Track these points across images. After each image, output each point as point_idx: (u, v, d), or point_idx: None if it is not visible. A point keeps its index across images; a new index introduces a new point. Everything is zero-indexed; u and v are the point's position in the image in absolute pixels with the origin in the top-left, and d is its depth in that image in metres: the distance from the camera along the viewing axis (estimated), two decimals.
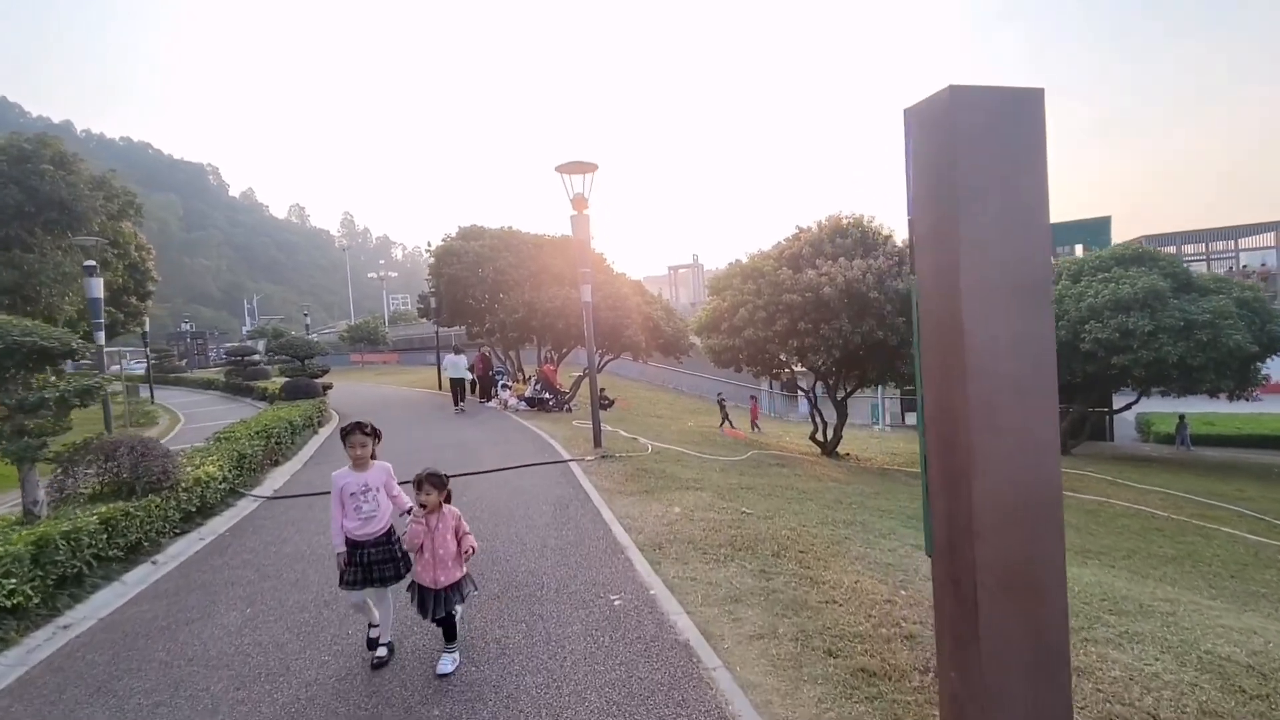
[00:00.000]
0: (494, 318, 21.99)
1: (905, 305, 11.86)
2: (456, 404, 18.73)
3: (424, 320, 34.69)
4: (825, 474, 11.17)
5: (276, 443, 10.22)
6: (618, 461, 9.40)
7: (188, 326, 58.04)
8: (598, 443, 10.32)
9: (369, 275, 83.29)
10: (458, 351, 19.53)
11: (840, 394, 15.33)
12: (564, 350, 23.86)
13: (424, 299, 26.77)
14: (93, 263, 12.71)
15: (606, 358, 23.99)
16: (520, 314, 20.99)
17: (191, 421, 21.43)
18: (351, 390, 27.73)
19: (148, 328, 26.79)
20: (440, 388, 23.82)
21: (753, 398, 25.27)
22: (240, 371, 22.77)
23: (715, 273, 14.31)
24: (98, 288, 12.79)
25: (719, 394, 25.32)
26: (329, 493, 4.10)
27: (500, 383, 19.76)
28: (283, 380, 16.98)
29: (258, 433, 9.88)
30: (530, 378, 19.31)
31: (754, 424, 22.90)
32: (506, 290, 22.34)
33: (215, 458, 7.83)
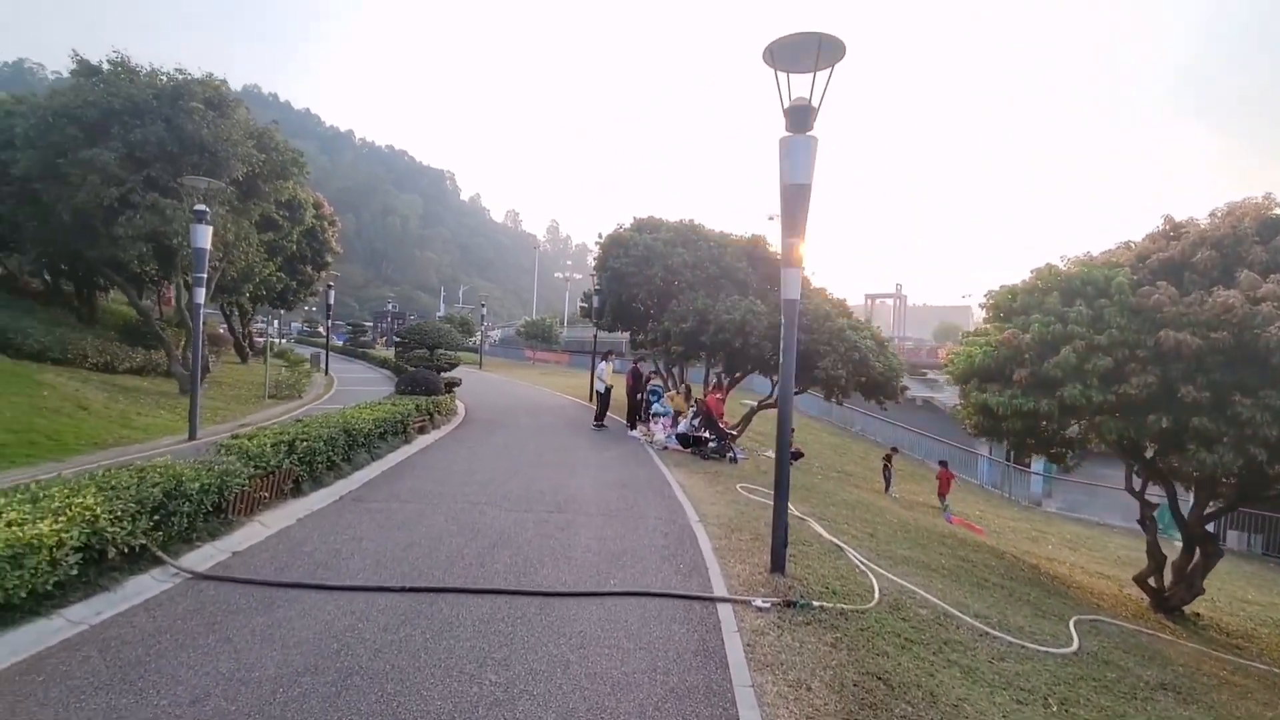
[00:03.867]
0: (659, 325, 18.11)
1: None
2: (596, 421, 15.69)
3: (589, 321, 32.30)
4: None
5: (302, 459, 6.95)
6: (817, 632, 4.54)
7: (392, 307, 62.90)
8: (778, 565, 5.51)
9: (556, 274, 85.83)
10: (605, 358, 16.12)
11: (1209, 509, 8.74)
12: (737, 375, 19.33)
13: (586, 297, 23.84)
14: (203, 208, 10.86)
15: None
16: (689, 324, 16.89)
17: (343, 387, 20.78)
18: (498, 386, 25.76)
19: (332, 299, 27.12)
20: (590, 399, 20.67)
21: (943, 464, 18.26)
22: (355, 341, 21.51)
23: (993, 293, 8.59)
24: (204, 236, 10.93)
25: (891, 448, 18.93)
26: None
27: (654, 405, 15.68)
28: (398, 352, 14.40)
29: (274, 445, 6.66)
30: (689, 407, 14.96)
31: (942, 497, 16.46)
32: (677, 294, 18.38)
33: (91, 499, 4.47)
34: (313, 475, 7.23)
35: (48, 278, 20.01)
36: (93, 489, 4.56)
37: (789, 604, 4.83)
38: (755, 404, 19.58)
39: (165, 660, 3.51)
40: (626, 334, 26.09)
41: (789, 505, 5.82)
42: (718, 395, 15.06)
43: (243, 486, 5.79)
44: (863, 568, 6.25)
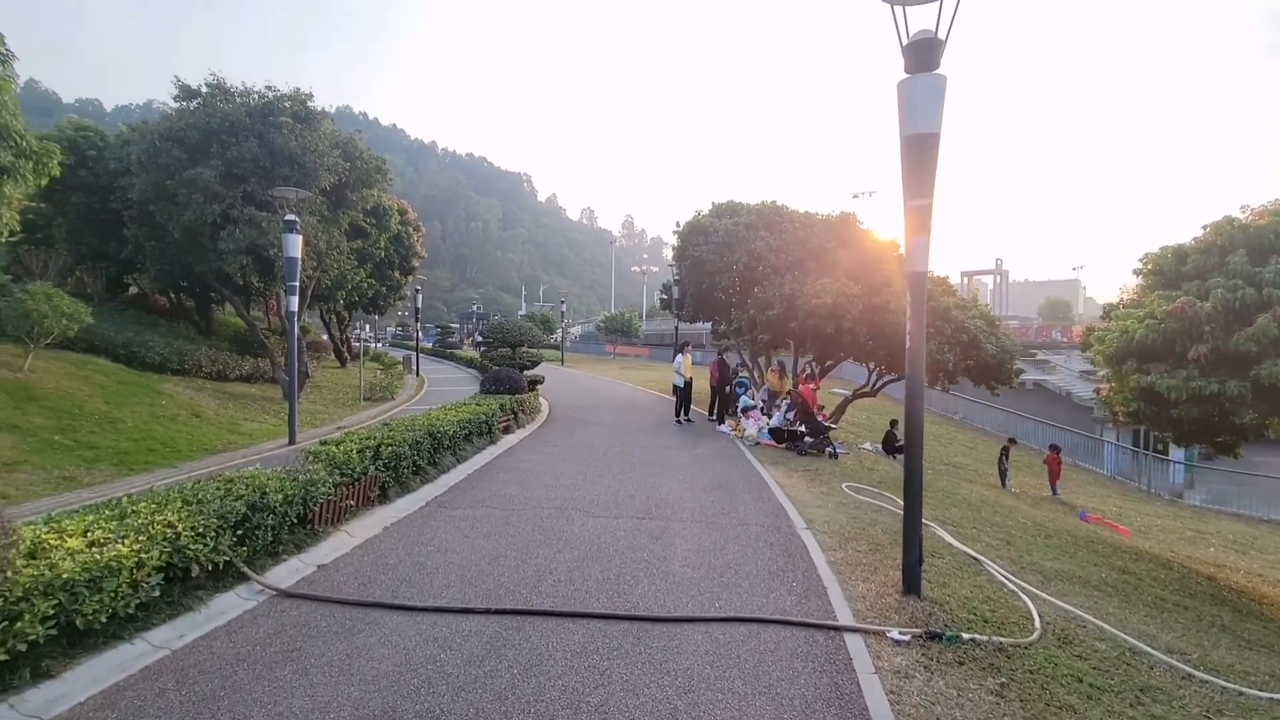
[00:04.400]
0: (742, 314, 17.27)
1: None
2: (678, 416, 14.97)
3: (668, 313, 31.70)
4: None
5: (387, 465, 6.77)
6: (975, 675, 3.72)
7: (476, 308, 64.91)
8: (912, 586, 4.68)
9: (632, 269, 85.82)
10: (681, 350, 15.62)
11: None
12: (828, 364, 18.18)
13: (666, 289, 23.23)
14: (293, 218, 11.13)
15: (886, 377, 17.79)
16: (776, 311, 15.99)
17: (432, 387, 21.31)
18: (581, 382, 25.66)
19: (420, 303, 27.98)
20: (673, 392, 20.13)
21: (1054, 448, 16.48)
22: (443, 342, 21.80)
23: (1151, 255, 7.16)
24: (295, 245, 11.21)
25: (1009, 439, 17.19)
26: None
27: (741, 398, 14.91)
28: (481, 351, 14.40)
29: (360, 451, 6.52)
30: (778, 397, 14.06)
31: (1053, 486, 14.92)
32: (762, 280, 17.47)
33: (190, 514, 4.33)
34: (399, 480, 7.05)
35: (173, 295, 21.71)
36: (179, 503, 4.44)
37: (932, 636, 4.03)
38: (849, 393, 18.34)
39: (240, 696, 3.22)
40: (708, 325, 25.32)
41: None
42: (811, 386, 14.08)
43: (328, 496, 5.62)
44: (1011, 586, 5.30)
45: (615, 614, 4.25)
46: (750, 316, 16.71)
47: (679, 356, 15.85)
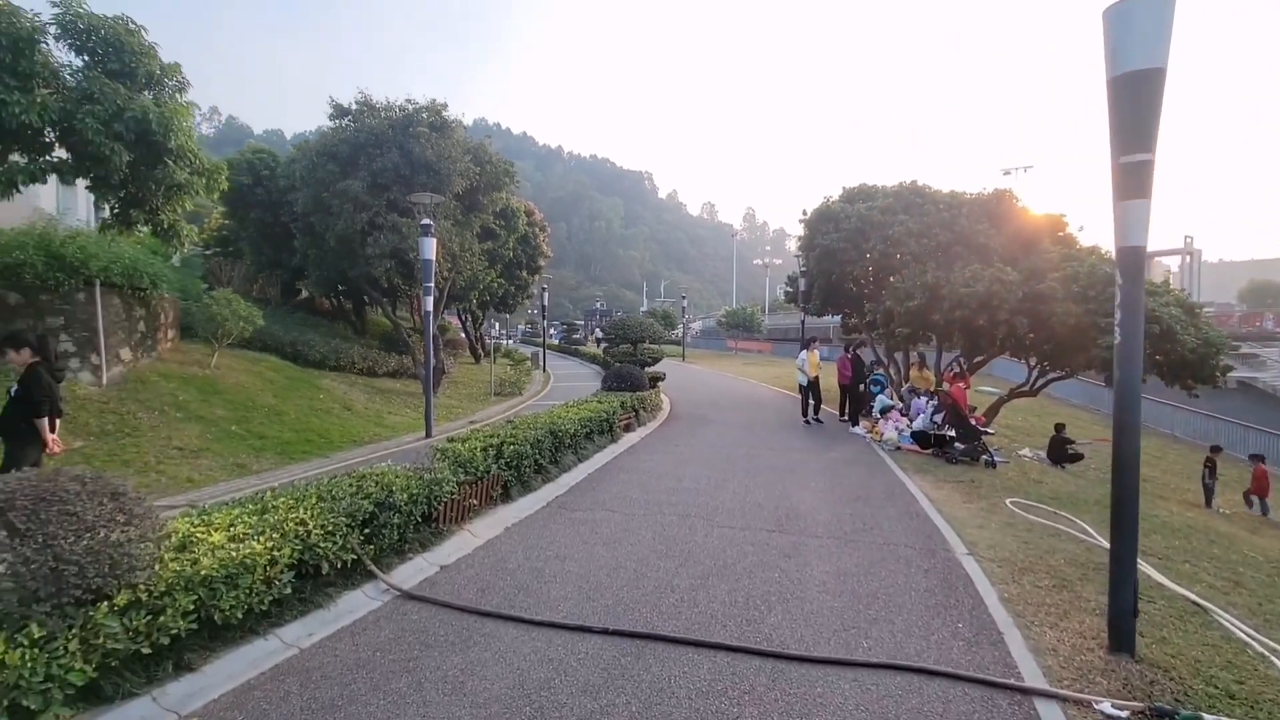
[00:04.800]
0: (876, 306, 15.92)
1: None
2: (806, 416, 14.05)
3: (793, 307, 30.24)
4: None
5: (509, 463, 6.75)
6: None
7: (600, 305, 66.48)
8: (1123, 644, 3.73)
9: (754, 261, 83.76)
10: (807, 346, 14.49)
11: None
12: (977, 360, 16.35)
13: (791, 281, 22.13)
14: (428, 221, 11.68)
15: (1049, 375, 15.75)
16: (917, 301, 14.59)
17: (558, 383, 21.88)
18: (702, 378, 25.14)
19: (546, 301, 28.94)
20: (798, 391, 19.08)
21: (1258, 458, 13.36)
22: (568, 339, 22.07)
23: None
24: (430, 248, 11.74)
25: (1212, 448, 14.24)
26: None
27: (878, 397, 13.72)
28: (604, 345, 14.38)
29: (484, 449, 6.54)
30: (922, 394, 12.71)
31: (1251, 498, 12.07)
32: (899, 269, 16.03)
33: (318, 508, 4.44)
34: (520, 479, 7.01)
35: (334, 298, 24.08)
36: (314, 498, 4.56)
37: (1160, 715, 3.13)
38: (1004, 393, 16.32)
39: (356, 707, 3.12)
40: (837, 318, 23.79)
41: (1088, 531, 3.89)
42: (960, 385, 12.61)
43: (452, 495, 5.62)
44: (1257, 646, 4.13)
45: (746, 647, 3.75)
46: (887, 308, 15.34)
47: (803, 353, 14.73)
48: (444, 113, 14.97)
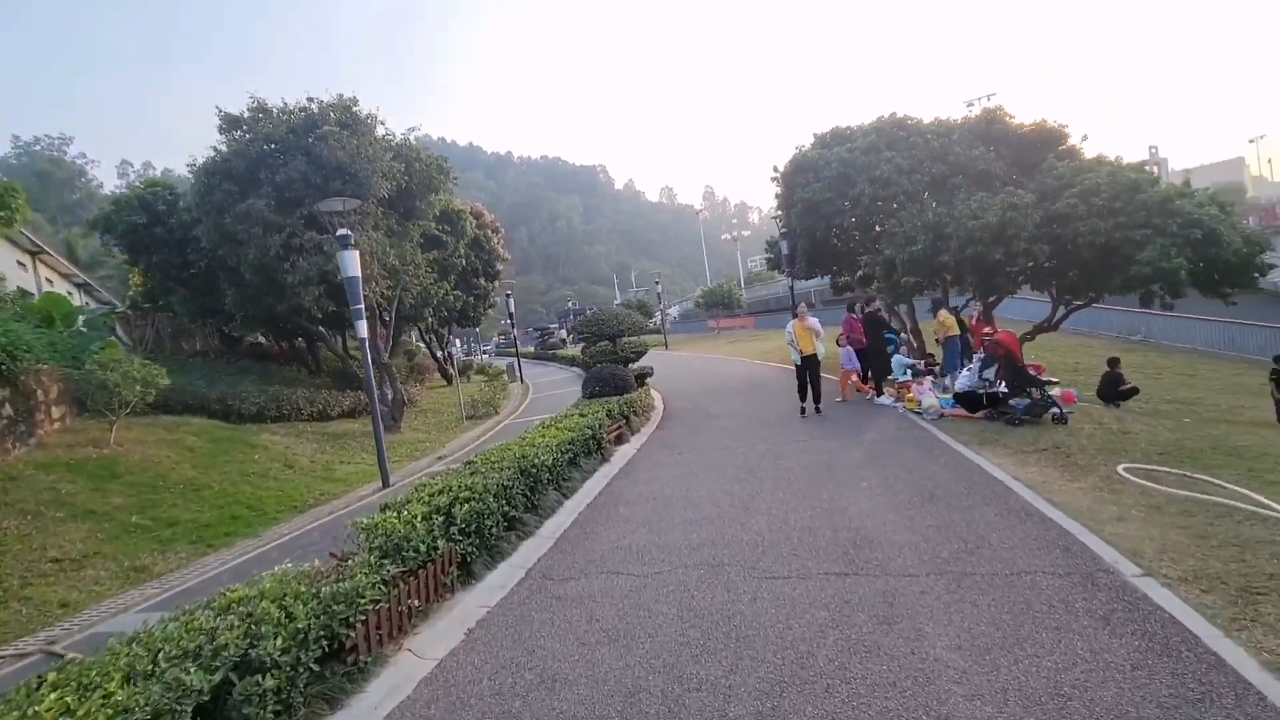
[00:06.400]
0: (875, 258, 14.25)
1: None
2: (803, 405, 10.72)
3: (776, 275, 28.57)
4: None
5: (466, 529, 4.90)
6: None
7: (572, 305, 64.43)
8: None
9: (722, 237, 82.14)
10: (797, 313, 10.85)
11: None
12: (991, 300, 14.89)
13: (771, 245, 20.43)
14: (345, 232, 9.71)
15: (1075, 303, 14.41)
16: (920, 245, 13.02)
17: (538, 394, 19.91)
18: (691, 365, 23.27)
19: (513, 308, 26.97)
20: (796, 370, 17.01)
21: None
22: (544, 344, 20.20)
23: None
24: (352, 263, 9.77)
25: (1277, 357, 12.65)
26: None
27: (895, 357, 12.10)
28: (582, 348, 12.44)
29: (428, 515, 4.69)
30: (955, 346, 11.06)
31: None
32: (893, 213, 14.43)
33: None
34: (486, 545, 5.17)
35: (280, 340, 21.79)
36: (122, 674, 2.69)
37: None
38: (1028, 331, 14.79)
39: None
40: (826, 279, 22.10)
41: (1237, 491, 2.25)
42: (987, 330, 10.99)
43: (377, 603, 3.77)
44: None
45: None
46: (886, 258, 13.68)
47: (789, 322, 10.99)
48: (355, 108, 12.93)
